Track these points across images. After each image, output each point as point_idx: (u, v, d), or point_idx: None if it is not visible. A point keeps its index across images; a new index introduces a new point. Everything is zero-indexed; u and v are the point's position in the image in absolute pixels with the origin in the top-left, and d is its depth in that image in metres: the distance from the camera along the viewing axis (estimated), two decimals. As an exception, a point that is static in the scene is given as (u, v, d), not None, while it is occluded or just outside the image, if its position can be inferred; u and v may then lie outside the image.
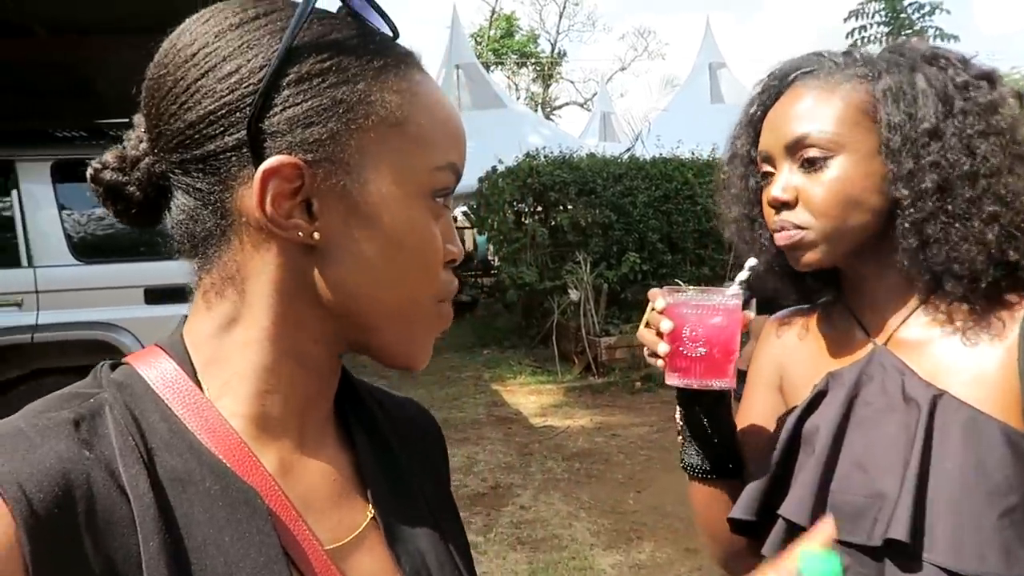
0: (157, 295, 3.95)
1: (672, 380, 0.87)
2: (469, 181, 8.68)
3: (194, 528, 0.47)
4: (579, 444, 5.22)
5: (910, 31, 7.02)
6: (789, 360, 1.00)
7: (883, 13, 6.91)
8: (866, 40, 7.19)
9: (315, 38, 0.51)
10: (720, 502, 0.96)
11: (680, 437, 0.97)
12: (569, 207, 8.06)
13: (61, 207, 3.93)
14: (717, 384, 0.86)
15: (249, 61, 0.50)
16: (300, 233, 0.50)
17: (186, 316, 0.57)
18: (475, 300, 11.80)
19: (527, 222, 8.37)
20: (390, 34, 0.57)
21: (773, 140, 0.89)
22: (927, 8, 7.02)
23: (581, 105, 29.76)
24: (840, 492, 0.84)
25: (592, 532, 3.80)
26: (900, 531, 0.77)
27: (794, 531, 0.85)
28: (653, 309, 0.88)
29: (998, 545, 0.74)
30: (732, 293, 0.86)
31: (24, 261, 3.88)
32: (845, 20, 6.91)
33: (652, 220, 8.03)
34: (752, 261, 0.91)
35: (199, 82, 0.50)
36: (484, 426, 5.69)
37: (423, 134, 0.54)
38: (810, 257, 0.87)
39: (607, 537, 3.74)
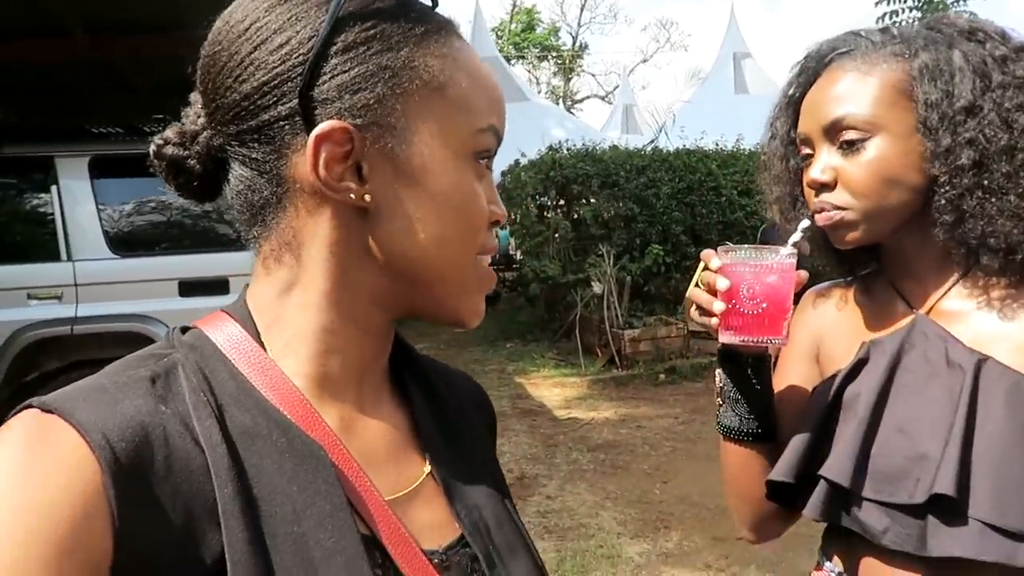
0: (191, 287, 4.03)
1: (727, 338, 0.89)
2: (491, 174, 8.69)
3: (263, 478, 0.49)
4: (604, 436, 5.23)
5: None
6: (827, 331, 1.02)
7: (915, -2, 6.79)
8: (898, 26, 7.03)
9: (359, 8, 0.53)
10: (755, 464, 0.98)
11: (719, 399, 0.99)
12: (592, 200, 8.05)
13: (98, 202, 4.01)
14: (772, 341, 0.87)
15: (298, 33, 0.52)
16: (352, 195, 0.53)
17: (247, 284, 0.60)
18: (497, 294, 11.79)
19: (549, 215, 8.37)
20: (428, 3, 0.59)
21: (811, 122, 0.91)
22: (962, -9, 6.88)
23: (602, 98, 29.62)
24: (881, 455, 0.86)
25: (619, 521, 3.82)
26: (947, 486, 0.78)
27: (835, 492, 0.88)
28: (706, 268, 0.89)
29: None
30: (787, 253, 0.87)
31: (63, 255, 3.98)
32: (876, 4, 6.76)
33: (675, 212, 7.98)
34: (805, 223, 0.92)
35: (252, 55, 0.53)
36: (509, 418, 5.72)
37: (465, 97, 0.56)
38: (852, 236, 0.89)
39: (634, 526, 3.76)
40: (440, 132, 0.55)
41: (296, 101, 0.52)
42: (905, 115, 0.85)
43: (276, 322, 0.57)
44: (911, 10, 6.83)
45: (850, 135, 0.86)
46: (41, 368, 4.00)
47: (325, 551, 0.49)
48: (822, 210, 0.89)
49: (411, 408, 0.64)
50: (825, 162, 0.89)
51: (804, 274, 0.89)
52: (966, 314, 0.88)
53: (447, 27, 0.58)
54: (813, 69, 0.94)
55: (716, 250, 0.90)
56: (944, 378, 0.84)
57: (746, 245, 0.88)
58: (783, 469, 0.92)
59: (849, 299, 1.02)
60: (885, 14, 6.79)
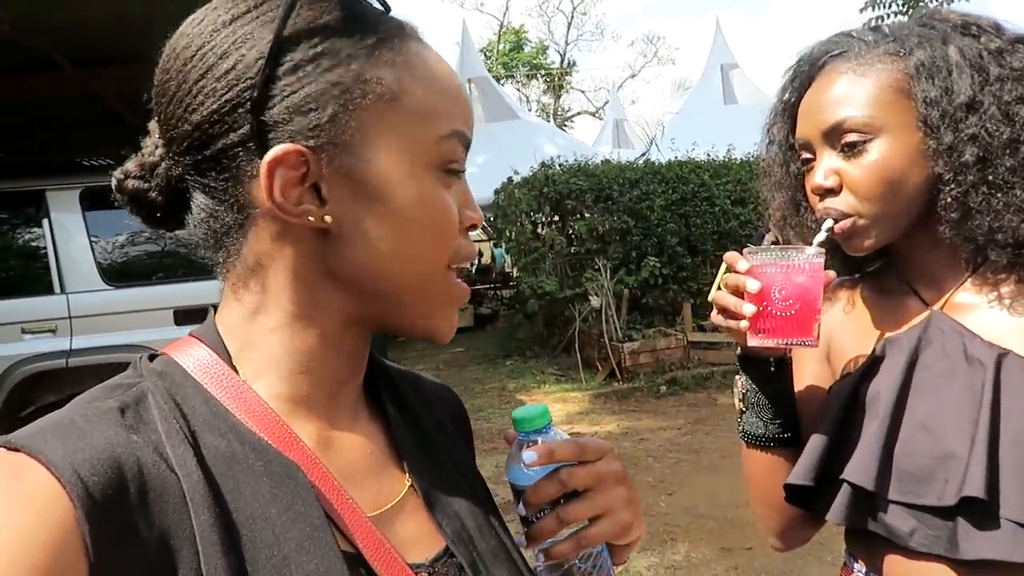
0: (186, 316, 4.01)
1: (758, 341, 0.86)
2: (485, 193, 8.73)
3: (241, 503, 0.48)
4: (607, 449, 5.19)
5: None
6: (837, 329, 1.00)
7: (900, 3, 6.83)
8: (889, 24, 7.10)
9: (306, 24, 0.52)
10: (781, 469, 0.96)
11: (741, 405, 0.97)
12: (586, 214, 8.07)
13: (91, 234, 4.01)
14: (804, 342, 0.85)
15: (244, 56, 0.51)
16: (311, 218, 0.52)
17: (215, 306, 0.59)
18: (495, 312, 11.81)
19: (544, 231, 8.39)
20: (381, 8, 0.57)
21: (810, 127, 0.90)
22: (945, -4, 6.95)
23: (593, 114, 29.83)
24: (905, 455, 0.84)
25: (625, 536, 3.77)
26: (976, 488, 0.76)
27: (858, 495, 0.86)
28: (730, 271, 0.87)
29: None
30: (815, 252, 0.85)
31: (57, 288, 3.97)
32: (861, 11, 6.83)
33: (670, 224, 8.00)
34: (829, 222, 0.90)
35: (200, 83, 0.51)
36: (511, 435, 5.69)
37: (423, 106, 0.54)
38: (868, 243, 0.88)
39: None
40: (399, 145, 0.54)
41: (247, 127, 0.51)
42: (904, 114, 0.84)
43: (247, 345, 0.56)
44: (896, 15, 6.91)
45: (851, 137, 0.85)
46: (37, 403, 3.97)
47: (307, 573, 0.48)
48: (827, 215, 0.88)
49: (387, 423, 0.63)
50: (827, 166, 0.88)
51: (832, 274, 0.87)
52: (979, 308, 0.87)
53: (401, 33, 0.56)
54: (807, 73, 0.93)
55: (743, 251, 0.88)
56: (964, 374, 0.82)
57: (771, 246, 0.86)
58: (801, 472, 0.90)
59: (857, 296, 1.00)
60: (871, 20, 6.87)
